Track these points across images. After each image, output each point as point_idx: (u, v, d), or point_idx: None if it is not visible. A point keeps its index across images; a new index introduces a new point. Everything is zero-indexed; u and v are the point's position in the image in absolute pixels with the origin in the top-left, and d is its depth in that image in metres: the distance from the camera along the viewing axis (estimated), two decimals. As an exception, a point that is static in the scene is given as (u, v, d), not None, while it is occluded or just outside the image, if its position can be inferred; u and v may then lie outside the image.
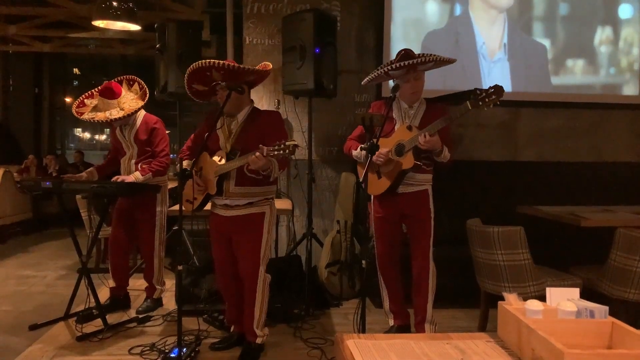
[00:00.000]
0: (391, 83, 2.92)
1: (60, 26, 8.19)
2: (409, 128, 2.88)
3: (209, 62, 2.66)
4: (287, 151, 2.45)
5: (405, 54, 2.87)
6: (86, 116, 3.56)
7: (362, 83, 3.14)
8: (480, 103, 2.66)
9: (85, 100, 3.62)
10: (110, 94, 3.51)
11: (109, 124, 3.61)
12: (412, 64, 2.80)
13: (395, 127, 2.97)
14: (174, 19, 6.23)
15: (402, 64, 2.80)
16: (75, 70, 17.41)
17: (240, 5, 4.70)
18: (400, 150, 2.88)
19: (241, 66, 2.71)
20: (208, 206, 2.96)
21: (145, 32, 6.69)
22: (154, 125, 3.62)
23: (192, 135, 3.07)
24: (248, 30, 4.57)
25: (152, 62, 4.63)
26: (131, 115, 3.53)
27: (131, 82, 3.69)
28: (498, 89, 2.65)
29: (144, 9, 6.61)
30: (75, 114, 3.59)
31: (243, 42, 4.59)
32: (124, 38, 8.43)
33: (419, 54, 2.85)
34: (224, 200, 2.83)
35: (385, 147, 2.88)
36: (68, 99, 15.69)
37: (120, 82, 3.66)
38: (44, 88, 12.04)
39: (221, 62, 2.68)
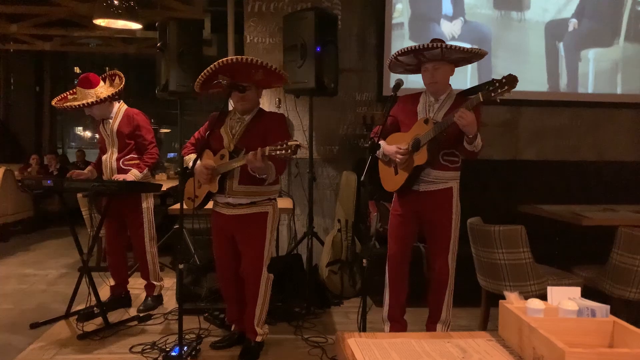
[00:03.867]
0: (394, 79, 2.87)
1: (61, 25, 8.19)
2: (426, 122, 2.78)
3: (262, 62, 2.64)
4: (289, 151, 2.40)
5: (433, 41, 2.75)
6: (65, 104, 3.59)
7: (389, 69, 3.03)
8: (493, 94, 2.52)
9: (68, 96, 3.66)
10: (87, 84, 3.52)
11: (93, 116, 3.64)
12: (417, 50, 2.72)
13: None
14: (175, 17, 6.22)
15: (406, 48, 2.74)
16: (77, 69, 17.39)
17: (241, 4, 4.70)
18: (416, 144, 2.78)
19: (281, 72, 2.72)
20: (209, 205, 2.96)
21: (147, 30, 6.69)
22: (136, 117, 3.64)
23: (196, 133, 3.07)
24: (249, 29, 4.57)
25: (153, 60, 4.63)
26: (105, 101, 3.53)
27: (112, 77, 3.72)
28: (510, 79, 2.50)
29: (145, 7, 6.60)
30: (55, 105, 3.63)
31: (244, 41, 4.59)
32: (125, 37, 8.42)
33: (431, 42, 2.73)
34: (226, 199, 2.82)
35: (403, 141, 2.80)
36: (69, 98, 15.67)
37: (104, 79, 3.68)
38: (45, 87, 12.03)
39: (273, 65, 2.67)
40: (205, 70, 2.71)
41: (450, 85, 2.93)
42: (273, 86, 3.00)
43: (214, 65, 2.66)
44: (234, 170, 2.77)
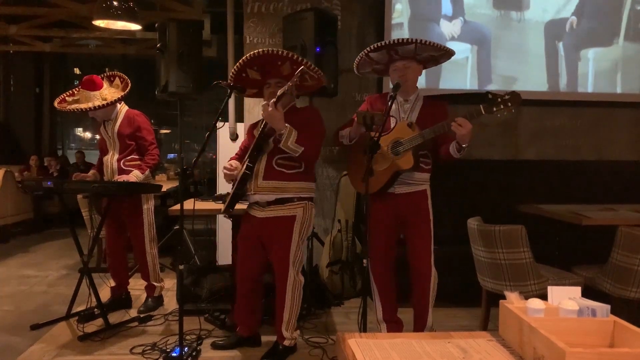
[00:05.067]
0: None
1: (61, 26, 8.20)
2: (410, 125, 2.75)
3: (285, 52, 2.65)
4: (295, 79, 2.49)
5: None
6: (70, 106, 3.57)
7: (355, 69, 3.04)
8: (495, 109, 2.52)
9: (67, 97, 3.64)
10: (92, 86, 3.52)
11: (95, 118, 3.64)
12: (391, 44, 2.71)
13: (392, 123, 2.83)
14: (175, 18, 6.23)
15: (380, 44, 2.73)
16: (76, 70, 17.42)
17: (240, 5, 4.70)
18: (396, 147, 2.76)
19: (312, 67, 2.72)
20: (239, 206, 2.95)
21: (146, 31, 6.70)
22: (137, 118, 3.65)
23: (241, 144, 3.12)
24: (249, 30, 4.57)
25: (153, 61, 4.64)
26: (114, 104, 3.55)
27: (112, 78, 3.72)
28: (514, 97, 2.49)
29: (145, 8, 6.61)
30: (57, 106, 3.61)
31: (244, 42, 4.59)
32: (125, 38, 8.43)
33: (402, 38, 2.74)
34: (254, 197, 2.79)
35: (382, 143, 2.76)
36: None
37: (102, 79, 3.68)
38: (45, 88, 12.03)
39: (300, 57, 2.68)
40: (234, 67, 2.74)
41: (417, 87, 2.94)
42: (306, 87, 2.93)
43: (241, 60, 2.69)
44: (261, 163, 2.76)
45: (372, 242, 2.84)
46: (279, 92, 2.58)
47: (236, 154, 3.08)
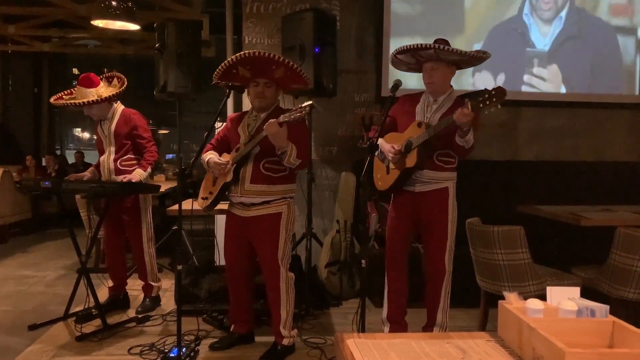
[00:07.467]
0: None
1: (59, 26, 8.18)
2: (419, 125, 2.78)
3: (283, 59, 2.65)
4: (303, 112, 2.50)
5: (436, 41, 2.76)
6: (63, 101, 3.57)
7: (392, 64, 3.01)
8: (481, 105, 2.52)
9: (64, 95, 3.66)
10: (88, 83, 3.52)
11: (91, 116, 3.63)
12: (413, 49, 2.72)
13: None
14: (174, 18, 6.23)
15: (403, 48, 2.75)
16: (75, 70, 17.39)
17: (239, 5, 4.70)
18: (408, 147, 2.79)
19: (303, 74, 2.74)
20: (220, 206, 2.95)
21: (145, 31, 6.69)
22: (133, 117, 3.65)
23: (217, 134, 3.06)
24: (247, 30, 4.57)
25: (152, 62, 4.63)
26: (108, 101, 3.54)
27: (110, 79, 3.73)
28: (499, 91, 2.50)
29: (143, 8, 6.60)
30: (53, 102, 3.62)
31: (242, 42, 4.59)
32: (124, 38, 8.42)
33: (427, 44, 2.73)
34: (239, 198, 2.80)
35: (398, 142, 2.80)
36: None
37: (101, 79, 3.68)
38: (44, 88, 12.00)
39: (294, 64, 2.69)
40: (225, 62, 2.71)
41: (451, 86, 2.92)
42: (291, 88, 2.97)
43: (235, 57, 2.67)
44: (247, 168, 2.75)
45: (389, 239, 2.90)
46: (285, 119, 2.55)
47: (210, 143, 3.01)
